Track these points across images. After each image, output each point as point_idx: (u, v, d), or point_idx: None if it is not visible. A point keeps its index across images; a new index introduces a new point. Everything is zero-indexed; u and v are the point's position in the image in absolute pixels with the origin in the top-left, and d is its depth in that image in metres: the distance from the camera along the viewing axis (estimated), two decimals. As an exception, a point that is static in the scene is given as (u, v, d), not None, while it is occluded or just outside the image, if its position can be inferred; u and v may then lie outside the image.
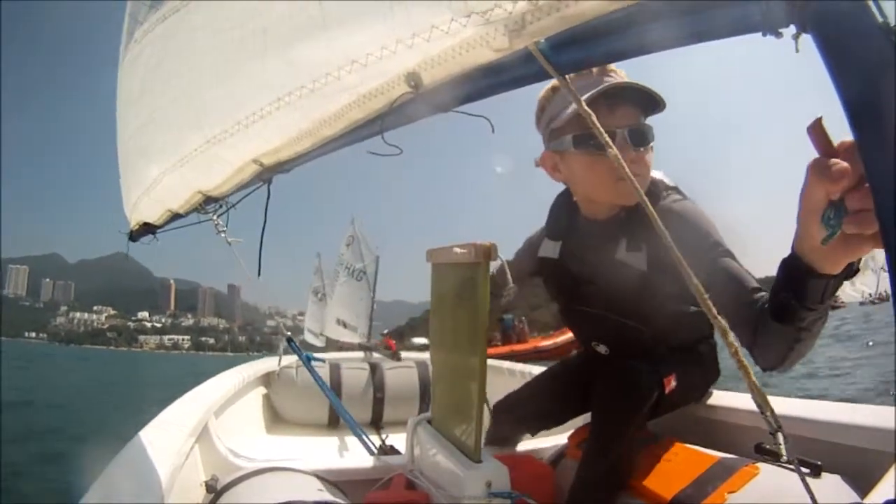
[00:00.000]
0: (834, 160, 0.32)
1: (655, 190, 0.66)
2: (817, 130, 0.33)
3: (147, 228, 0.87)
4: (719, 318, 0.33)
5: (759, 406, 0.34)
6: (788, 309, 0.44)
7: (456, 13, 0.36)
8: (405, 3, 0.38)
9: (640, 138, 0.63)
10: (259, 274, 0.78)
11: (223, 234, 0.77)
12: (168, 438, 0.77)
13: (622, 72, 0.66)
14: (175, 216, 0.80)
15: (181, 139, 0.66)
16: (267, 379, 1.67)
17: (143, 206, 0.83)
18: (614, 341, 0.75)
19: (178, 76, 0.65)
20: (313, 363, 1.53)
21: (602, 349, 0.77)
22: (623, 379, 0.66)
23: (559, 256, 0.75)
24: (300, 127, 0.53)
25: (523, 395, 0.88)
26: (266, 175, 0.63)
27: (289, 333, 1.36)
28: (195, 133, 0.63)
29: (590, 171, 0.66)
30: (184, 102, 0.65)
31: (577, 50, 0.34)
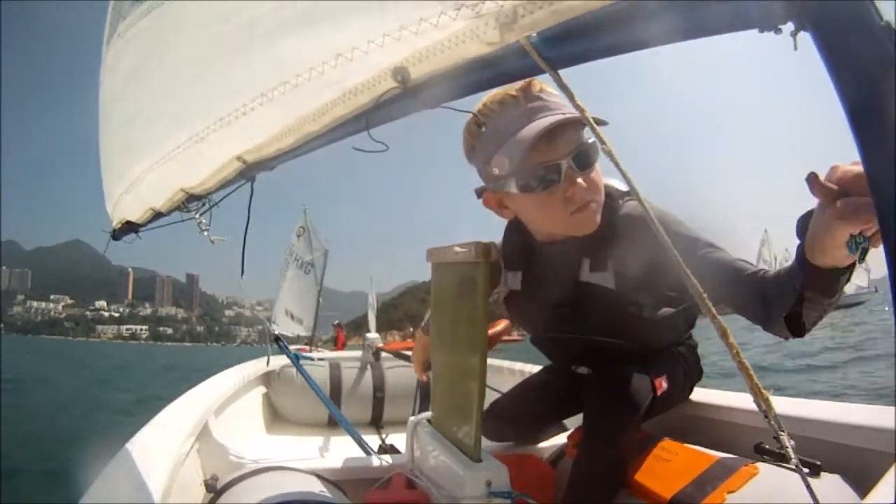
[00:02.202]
0: (853, 200, 0.33)
1: (612, 202, 0.66)
2: (815, 181, 0.35)
3: (129, 227, 0.86)
4: (718, 318, 0.33)
5: (761, 409, 0.35)
6: (818, 305, 0.46)
7: (446, 6, 0.36)
8: None
9: (585, 161, 0.61)
10: (242, 274, 0.78)
11: (206, 233, 0.78)
12: (168, 438, 0.78)
13: (547, 86, 0.62)
14: (158, 215, 0.79)
15: (163, 136, 0.65)
16: (267, 378, 1.69)
17: (125, 204, 0.82)
18: (593, 361, 0.75)
19: (161, 72, 0.64)
20: (309, 363, 1.55)
21: (583, 370, 0.78)
22: (614, 385, 0.65)
23: (521, 287, 0.74)
24: (284, 123, 0.52)
25: (511, 402, 0.89)
26: (249, 173, 0.62)
27: (276, 333, 1.37)
28: (177, 130, 0.62)
29: (541, 209, 0.63)
30: (166, 99, 0.64)
31: (570, 44, 0.33)
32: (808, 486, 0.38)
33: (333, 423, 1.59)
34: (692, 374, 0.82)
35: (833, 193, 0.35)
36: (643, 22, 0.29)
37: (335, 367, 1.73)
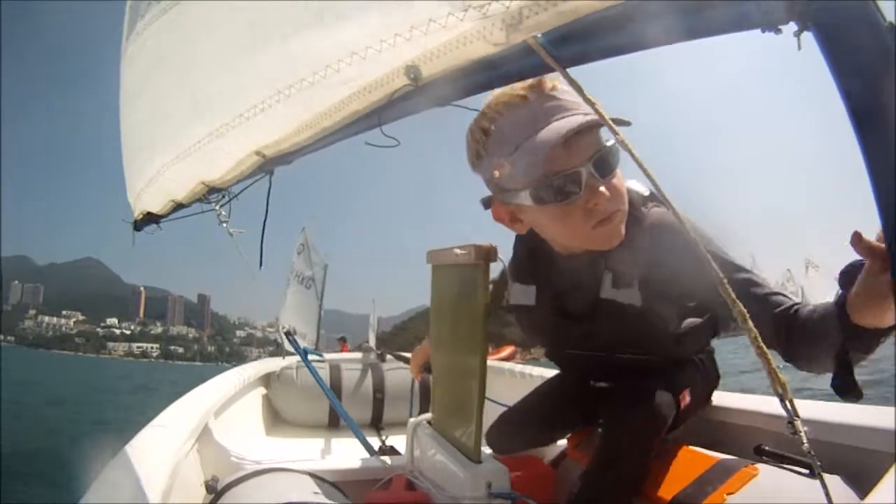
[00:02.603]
0: None
1: (635, 210, 0.60)
2: (860, 241, 0.35)
3: (150, 218, 0.88)
4: (738, 302, 0.33)
5: (777, 394, 0.35)
6: (858, 360, 0.45)
7: (453, 7, 0.36)
8: None
9: (606, 167, 0.55)
10: (261, 265, 0.79)
11: (225, 225, 0.79)
12: (168, 439, 0.78)
13: (559, 82, 0.55)
14: (178, 206, 0.81)
15: (183, 132, 0.67)
16: (267, 379, 1.68)
17: (147, 196, 0.84)
18: (615, 378, 0.70)
19: (180, 70, 0.66)
20: (313, 363, 1.54)
21: (602, 384, 0.74)
22: (639, 402, 0.61)
23: (536, 303, 0.68)
24: (301, 119, 0.54)
25: (526, 408, 0.85)
26: (268, 166, 0.64)
27: (287, 327, 1.37)
28: (197, 126, 0.64)
29: (560, 223, 0.57)
30: (185, 95, 0.65)
31: (574, 45, 0.34)
32: (821, 477, 0.38)
33: (333, 425, 1.58)
34: (711, 381, 0.78)
35: (871, 247, 0.34)
36: (646, 22, 0.30)
37: (335, 368, 1.73)
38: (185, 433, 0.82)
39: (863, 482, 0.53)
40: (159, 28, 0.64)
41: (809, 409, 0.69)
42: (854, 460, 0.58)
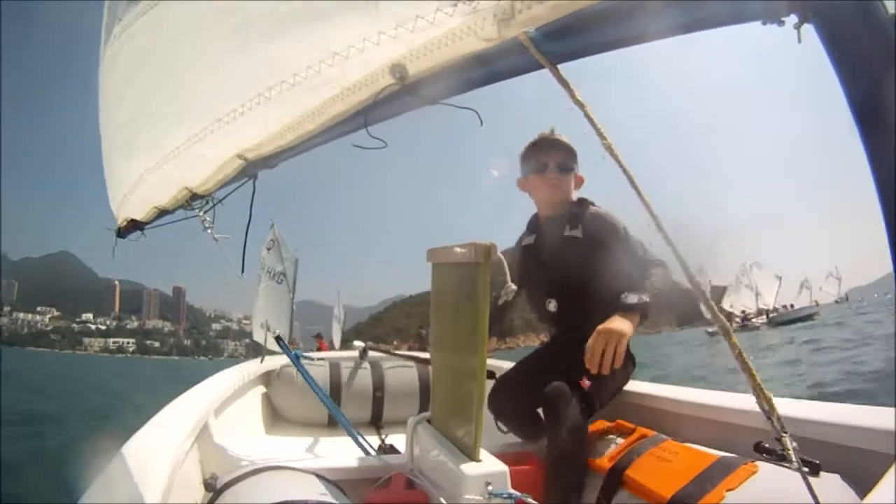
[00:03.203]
0: None
1: (580, 207, 1.06)
2: None
3: (135, 224, 0.86)
4: (721, 315, 0.33)
5: (763, 410, 0.34)
6: None
7: (442, 3, 0.35)
8: None
9: (563, 168, 1.06)
10: (242, 271, 0.78)
11: (210, 231, 0.78)
12: (167, 437, 0.77)
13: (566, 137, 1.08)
14: (162, 212, 0.79)
15: (163, 137, 0.65)
16: (267, 378, 1.67)
17: (130, 203, 0.82)
18: (560, 295, 1.04)
19: (158, 73, 0.64)
20: (308, 362, 1.53)
21: (552, 306, 1.05)
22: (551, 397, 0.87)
23: (534, 241, 1.12)
24: (282, 122, 0.52)
25: (520, 367, 1.12)
26: (251, 170, 0.62)
27: (278, 332, 1.36)
28: (176, 131, 0.62)
29: (537, 186, 1.09)
30: (164, 100, 0.64)
31: (569, 40, 0.32)
32: (809, 487, 0.37)
33: (333, 423, 1.57)
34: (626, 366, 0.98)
35: None
36: (645, 15, 0.29)
37: (335, 367, 1.72)
38: (185, 431, 0.81)
39: (862, 482, 0.53)
40: (137, 30, 0.62)
41: (811, 409, 0.68)
42: (853, 460, 0.58)
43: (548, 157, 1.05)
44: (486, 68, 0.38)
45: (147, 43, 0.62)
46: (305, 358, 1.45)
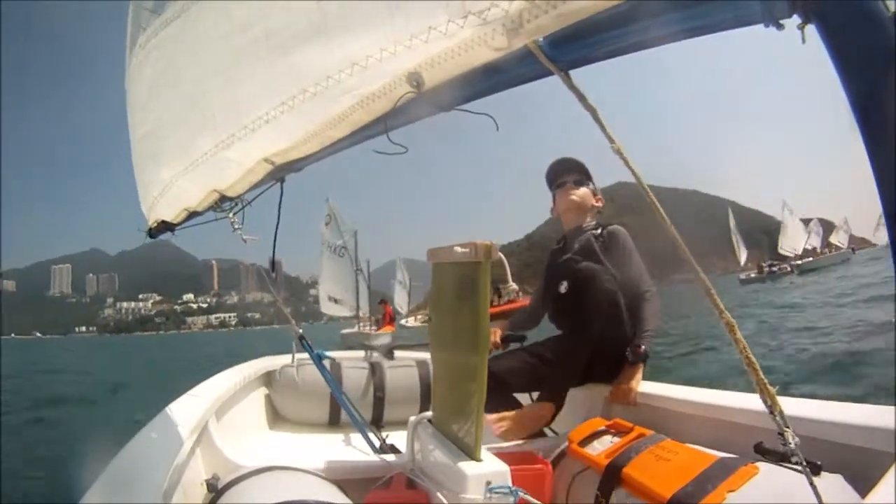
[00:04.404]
0: None
1: (598, 223, 1.23)
2: None
3: (165, 226, 0.86)
4: (726, 313, 0.32)
5: (767, 405, 0.32)
6: None
7: (453, 14, 0.35)
8: (402, 5, 0.37)
9: (578, 183, 1.24)
10: (272, 269, 0.77)
11: (239, 232, 0.77)
12: (169, 438, 0.75)
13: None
14: (192, 214, 0.79)
15: (191, 143, 0.65)
16: (267, 378, 1.62)
17: (160, 206, 0.82)
18: (572, 278, 1.16)
19: (183, 82, 0.64)
20: (309, 363, 1.48)
21: (563, 287, 1.17)
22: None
23: (561, 246, 1.29)
24: (306, 129, 0.52)
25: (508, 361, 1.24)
26: (278, 174, 0.63)
27: (301, 331, 1.33)
28: (204, 137, 0.62)
29: (558, 200, 1.27)
30: (190, 108, 0.64)
31: (577, 47, 0.32)
32: (813, 486, 0.35)
33: (334, 423, 1.52)
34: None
35: None
36: (649, 22, 0.29)
37: (336, 367, 1.67)
38: (186, 432, 0.79)
39: (863, 482, 0.50)
40: (162, 40, 0.63)
41: (811, 408, 0.66)
42: (854, 460, 0.55)
43: (563, 175, 1.24)
44: (499, 76, 0.38)
45: (172, 53, 0.63)
46: (326, 357, 1.42)
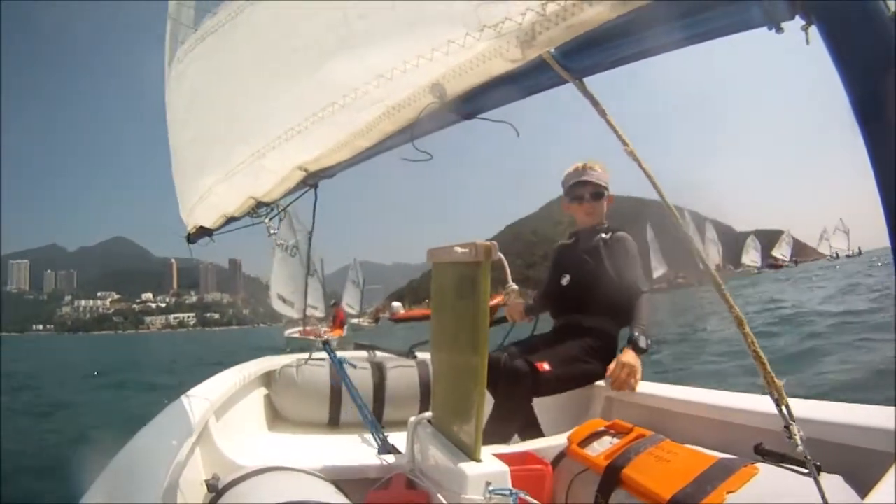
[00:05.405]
0: None
1: (608, 227, 1.26)
2: None
3: (203, 231, 0.86)
4: (735, 307, 0.31)
5: (774, 399, 0.31)
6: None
7: (470, 28, 0.36)
8: (423, 20, 0.38)
9: (596, 196, 1.25)
10: (308, 272, 0.76)
11: (274, 236, 0.77)
12: (169, 438, 0.72)
13: (598, 164, 1.26)
14: (230, 219, 0.79)
15: (229, 153, 0.66)
16: (267, 378, 1.56)
17: (199, 212, 0.82)
18: (574, 272, 1.24)
19: (220, 95, 0.65)
20: (310, 363, 1.43)
21: (566, 280, 1.24)
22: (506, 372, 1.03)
23: (571, 242, 1.33)
24: (336, 139, 0.52)
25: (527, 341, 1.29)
26: (311, 180, 0.62)
27: (325, 337, 1.30)
28: (240, 147, 0.63)
29: (575, 211, 1.29)
30: (227, 120, 0.65)
31: (588, 56, 0.33)
32: (818, 483, 0.33)
33: (334, 424, 1.46)
34: (594, 365, 1.13)
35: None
36: (656, 29, 0.29)
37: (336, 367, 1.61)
38: (186, 432, 0.76)
39: (863, 482, 0.48)
40: (199, 54, 0.64)
41: (811, 409, 0.64)
42: (854, 460, 0.53)
43: (584, 188, 1.24)
44: (517, 85, 0.39)
45: (208, 67, 0.64)
46: (349, 363, 1.38)
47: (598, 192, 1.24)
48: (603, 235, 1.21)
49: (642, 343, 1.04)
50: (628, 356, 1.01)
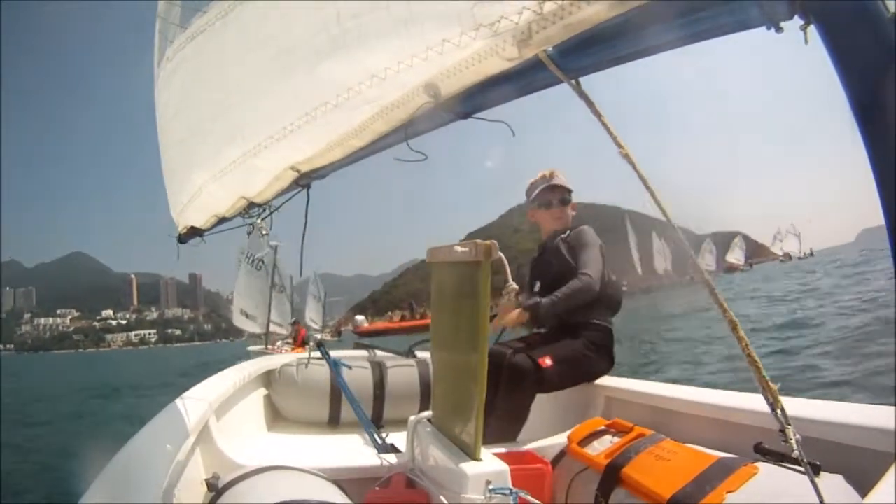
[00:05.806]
0: None
1: (572, 226, 1.29)
2: None
3: (194, 231, 0.85)
4: (728, 310, 0.30)
5: (768, 402, 0.30)
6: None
7: (465, 27, 0.35)
8: (417, 19, 0.37)
9: (563, 202, 1.29)
10: (301, 273, 0.75)
11: (265, 237, 0.75)
12: (169, 437, 0.71)
13: (559, 173, 1.31)
14: (221, 220, 0.78)
15: (219, 152, 0.65)
16: (267, 378, 1.55)
17: (190, 212, 0.81)
18: (542, 279, 1.25)
19: (211, 94, 0.64)
20: (312, 362, 1.43)
21: (537, 286, 1.25)
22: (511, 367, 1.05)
23: (539, 254, 1.36)
24: (329, 139, 0.52)
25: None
26: (304, 181, 0.61)
27: (319, 337, 1.29)
28: (232, 146, 0.62)
29: (542, 216, 1.32)
30: (218, 118, 0.64)
31: (585, 55, 0.32)
32: (815, 484, 0.32)
33: (334, 423, 1.46)
34: (599, 361, 1.14)
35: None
36: (654, 29, 0.29)
37: (336, 366, 1.61)
38: (186, 432, 0.76)
39: (863, 482, 0.47)
40: (189, 54, 0.63)
41: (811, 408, 0.63)
42: (854, 460, 0.53)
43: (552, 193, 1.29)
44: (512, 84, 0.38)
45: (198, 66, 0.63)
46: (346, 364, 1.37)
47: (565, 197, 1.28)
48: (562, 236, 1.24)
49: (541, 310, 1.09)
50: (514, 313, 1.12)
